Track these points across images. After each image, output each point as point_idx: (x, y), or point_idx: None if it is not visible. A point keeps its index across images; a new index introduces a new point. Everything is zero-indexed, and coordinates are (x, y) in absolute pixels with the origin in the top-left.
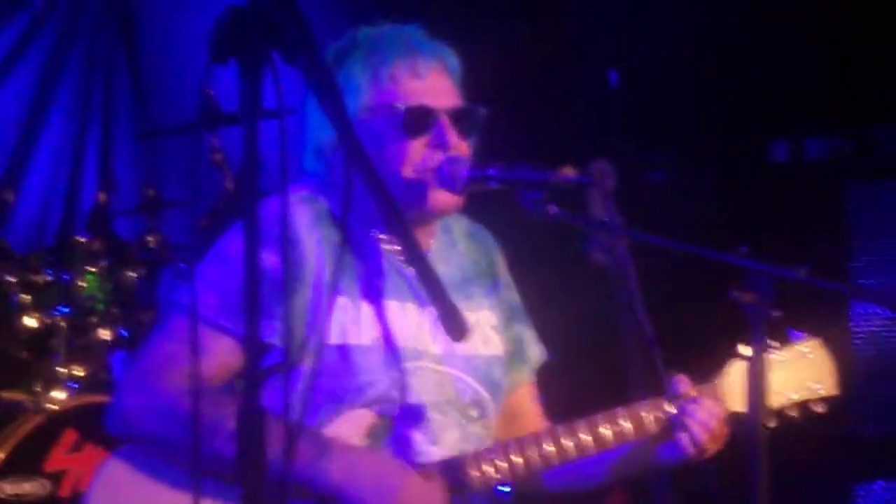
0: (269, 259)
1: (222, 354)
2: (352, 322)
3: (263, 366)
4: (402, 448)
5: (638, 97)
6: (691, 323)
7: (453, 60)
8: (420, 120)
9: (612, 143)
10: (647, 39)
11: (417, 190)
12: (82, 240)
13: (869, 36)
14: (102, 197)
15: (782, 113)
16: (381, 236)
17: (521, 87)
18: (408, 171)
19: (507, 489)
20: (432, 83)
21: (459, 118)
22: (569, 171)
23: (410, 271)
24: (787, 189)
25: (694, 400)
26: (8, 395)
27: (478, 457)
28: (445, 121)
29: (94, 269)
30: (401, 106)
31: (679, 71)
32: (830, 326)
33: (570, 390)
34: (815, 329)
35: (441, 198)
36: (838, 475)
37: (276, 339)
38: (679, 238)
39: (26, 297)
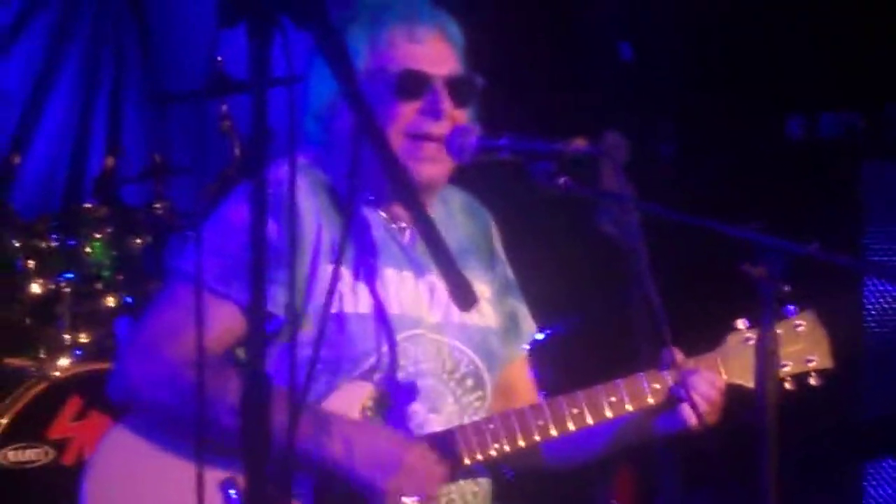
0: (271, 227)
1: (223, 320)
2: (349, 291)
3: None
4: (400, 419)
5: (652, 70)
6: (702, 296)
7: (454, 28)
8: (413, 84)
9: (625, 115)
10: (662, 12)
11: (404, 158)
12: (89, 206)
13: (885, 13)
14: (110, 162)
15: (798, 88)
16: (379, 205)
17: (534, 59)
18: (396, 135)
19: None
20: (430, 49)
21: (456, 86)
22: (580, 143)
23: (408, 240)
24: (802, 165)
25: (694, 371)
26: (12, 361)
27: (478, 428)
28: (440, 87)
29: (99, 236)
30: (394, 69)
31: (694, 44)
32: (843, 303)
33: (580, 361)
34: (827, 306)
35: (426, 170)
36: (848, 454)
37: (275, 307)
38: (691, 211)
39: (31, 263)
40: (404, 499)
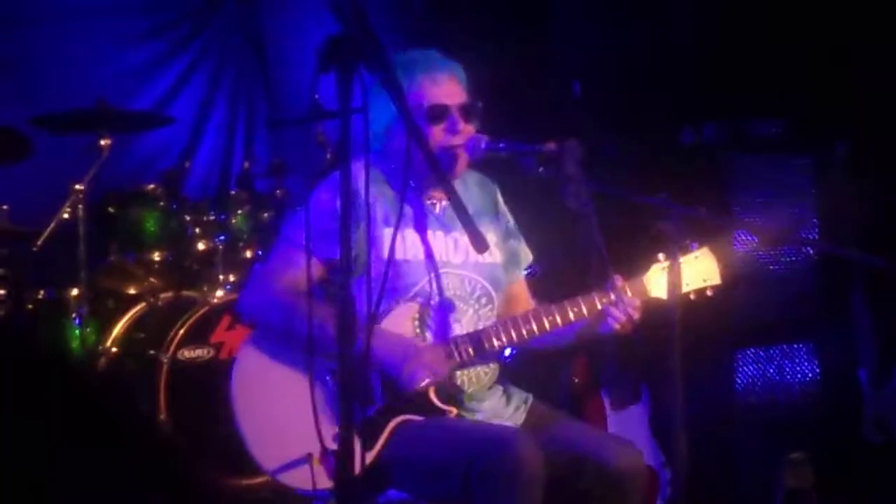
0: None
1: (310, 268)
2: (401, 244)
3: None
4: (439, 327)
5: (597, 100)
6: (631, 243)
7: (460, 71)
8: (438, 113)
9: (580, 128)
10: (600, 59)
11: (445, 158)
12: (233, 192)
13: (748, 53)
14: (246, 164)
15: (689, 107)
16: (420, 189)
17: (524, 92)
18: (433, 146)
19: (509, 353)
20: (446, 87)
21: (465, 110)
22: (551, 145)
23: (439, 211)
24: (692, 159)
25: (621, 296)
26: (187, 292)
27: (488, 331)
28: (455, 112)
29: (241, 212)
30: (425, 104)
31: (621, 82)
32: (720, 245)
33: (553, 287)
34: (707, 244)
35: (459, 165)
36: (726, 343)
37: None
38: (623, 189)
39: (198, 230)
40: (420, 379)
